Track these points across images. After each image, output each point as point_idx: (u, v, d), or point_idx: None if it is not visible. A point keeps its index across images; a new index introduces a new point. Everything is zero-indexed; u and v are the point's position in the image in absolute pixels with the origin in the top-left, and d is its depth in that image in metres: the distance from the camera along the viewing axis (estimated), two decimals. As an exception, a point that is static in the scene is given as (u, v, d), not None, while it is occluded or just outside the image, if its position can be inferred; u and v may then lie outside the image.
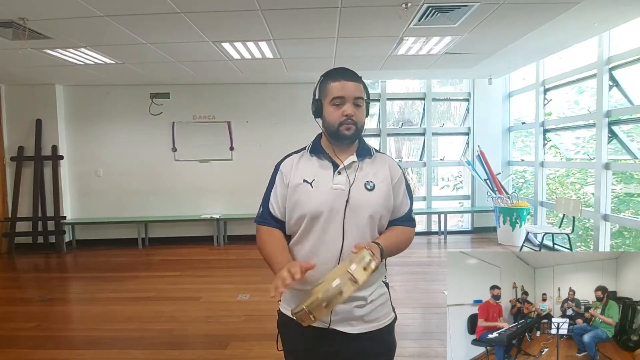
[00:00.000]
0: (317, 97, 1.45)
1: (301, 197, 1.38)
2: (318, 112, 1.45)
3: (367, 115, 1.45)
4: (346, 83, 1.38)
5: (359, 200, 1.36)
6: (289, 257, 1.36)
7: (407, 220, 1.47)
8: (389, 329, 1.44)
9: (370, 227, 1.38)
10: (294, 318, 1.19)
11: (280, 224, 1.44)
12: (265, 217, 1.45)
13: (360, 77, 1.43)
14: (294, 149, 1.53)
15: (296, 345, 1.42)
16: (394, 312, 1.48)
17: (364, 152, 1.45)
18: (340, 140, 1.41)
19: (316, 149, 1.46)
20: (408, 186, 1.50)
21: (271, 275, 1.27)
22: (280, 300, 1.49)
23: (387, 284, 1.48)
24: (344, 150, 1.43)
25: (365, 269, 1.19)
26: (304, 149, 1.50)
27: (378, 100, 7.14)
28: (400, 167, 1.50)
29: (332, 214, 1.36)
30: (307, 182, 1.40)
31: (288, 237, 1.45)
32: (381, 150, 1.54)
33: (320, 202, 1.36)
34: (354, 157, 1.42)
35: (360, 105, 1.39)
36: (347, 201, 1.36)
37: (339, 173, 1.40)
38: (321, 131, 1.49)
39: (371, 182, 1.40)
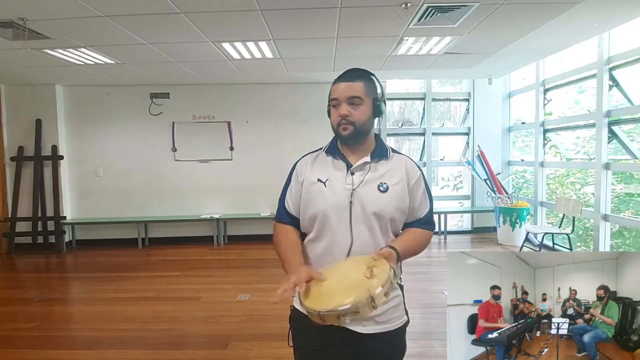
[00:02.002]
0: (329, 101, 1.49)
1: (314, 196, 1.40)
2: (329, 114, 1.48)
3: (377, 115, 1.43)
4: (341, 84, 1.40)
5: (369, 202, 1.36)
6: (301, 259, 1.37)
7: (426, 223, 1.46)
8: (400, 332, 1.44)
9: (381, 229, 1.38)
10: (304, 311, 1.19)
11: (295, 221, 1.47)
12: (282, 213, 1.48)
13: (368, 75, 1.43)
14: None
15: (307, 342, 1.42)
16: (407, 315, 1.47)
17: (380, 153, 1.45)
18: (343, 140, 1.42)
19: (332, 149, 1.47)
20: (427, 188, 1.48)
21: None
22: (294, 296, 1.49)
23: (401, 287, 1.47)
24: (359, 151, 1.44)
25: (386, 294, 1.17)
26: (321, 149, 1.52)
27: (378, 100, 7.12)
28: (419, 168, 1.48)
29: (343, 215, 1.36)
30: (322, 181, 1.41)
31: (303, 235, 1.47)
32: (402, 152, 1.52)
33: (332, 201, 1.37)
34: (367, 158, 1.42)
35: (358, 105, 1.38)
36: (352, 202, 1.36)
37: (352, 173, 1.40)
38: None
39: (385, 183, 1.39)
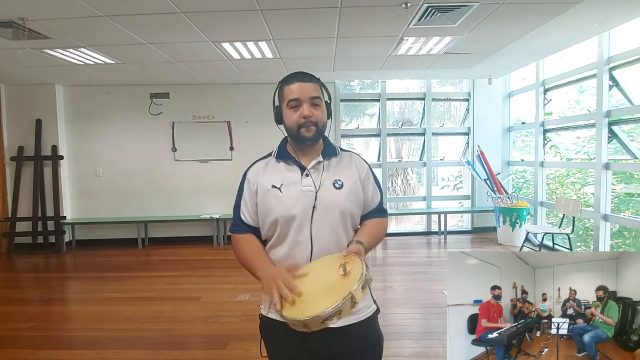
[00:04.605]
0: (276, 103, 1.48)
1: (272, 202, 1.39)
2: (279, 118, 1.47)
3: (329, 117, 1.45)
4: (300, 84, 1.39)
5: (329, 200, 1.38)
6: (269, 261, 1.37)
7: (379, 211, 1.51)
8: (372, 321, 1.43)
9: (343, 225, 1.39)
10: (285, 321, 1.18)
11: (253, 230, 1.45)
12: (239, 225, 1.46)
13: (318, 79, 1.44)
14: None
15: (280, 348, 1.40)
16: (376, 304, 1.47)
17: (330, 152, 1.47)
18: (302, 142, 1.41)
19: (282, 154, 1.47)
20: (376, 179, 1.53)
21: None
22: (261, 305, 1.46)
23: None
24: (309, 152, 1.45)
25: (363, 289, 1.18)
26: (270, 154, 1.51)
27: (378, 100, 7.13)
28: (366, 162, 1.53)
29: (305, 216, 1.36)
30: (276, 187, 1.40)
31: (264, 242, 1.46)
32: (347, 149, 1.57)
33: (291, 205, 1.37)
34: (319, 158, 1.44)
35: (318, 105, 1.40)
36: (315, 202, 1.37)
37: (307, 175, 1.41)
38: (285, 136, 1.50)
39: (339, 180, 1.42)
